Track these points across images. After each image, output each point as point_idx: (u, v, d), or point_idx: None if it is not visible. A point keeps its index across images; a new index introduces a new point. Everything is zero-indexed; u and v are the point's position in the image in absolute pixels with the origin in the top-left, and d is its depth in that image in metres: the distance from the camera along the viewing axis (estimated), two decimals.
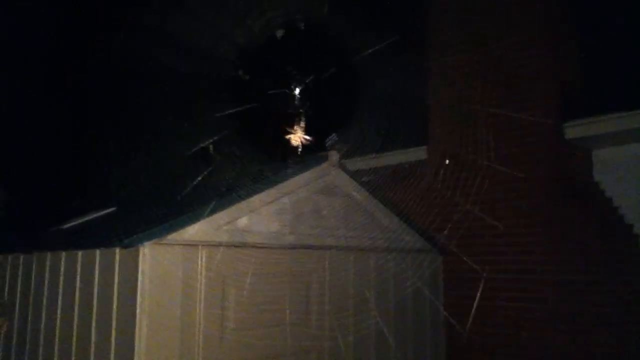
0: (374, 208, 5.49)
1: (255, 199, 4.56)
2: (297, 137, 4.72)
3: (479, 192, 6.16)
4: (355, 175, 5.83)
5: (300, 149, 4.72)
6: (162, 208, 4.88)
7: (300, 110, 4.54)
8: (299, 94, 4.63)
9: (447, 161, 6.32)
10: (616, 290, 5.47)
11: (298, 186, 4.88)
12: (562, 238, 5.81)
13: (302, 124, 4.62)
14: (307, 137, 4.71)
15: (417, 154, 7.22)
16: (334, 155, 5.16)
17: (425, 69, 6.91)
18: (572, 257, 5.71)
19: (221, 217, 4.34)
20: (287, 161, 4.96)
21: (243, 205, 4.49)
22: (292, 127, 4.62)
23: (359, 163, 7.47)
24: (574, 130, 6.07)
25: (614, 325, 5.42)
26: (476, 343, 6.06)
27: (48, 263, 4.87)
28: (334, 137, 4.94)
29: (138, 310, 3.85)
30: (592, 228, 5.74)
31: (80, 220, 5.70)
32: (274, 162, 5.11)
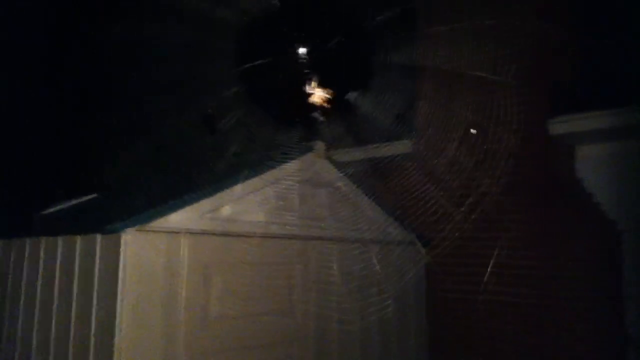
0: (359, 200, 5.48)
1: (240, 188, 4.52)
2: (317, 97, 4.60)
3: (463, 186, 6.18)
4: (341, 165, 5.82)
5: (325, 106, 4.58)
6: (148, 191, 4.81)
7: (307, 71, 4.41)
8: (305, 55, 4.49)
9: (431, 156, 6.29)
10: (600, 286, 5.52)
11: (283, 176, 4.84)
12: (545, 234, 5.83)
13: (316, 82, 4.49)
14: (327, 95, 4.56)
15: (402, 147, 7.20)
16: (320, 146, 5.13)
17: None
18: (555, 253, 5.74)
19: (205, 205, 4.29)
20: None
21: (227, 193, 4.44)
22: (308, 88, 4.49)
23: (345, 155, 7.47)
24: (558, 127, 6.09)
25: (597, 321, 5.46)
26: (459, 335, 6.08)
27: (27, 250, 4.79)
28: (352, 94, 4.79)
29: (119, 298, 3.80)
30: (575, 224, 5.77)
31: (61, 206, 5.61)
32: (286, 130, 4.98)
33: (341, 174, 5.38)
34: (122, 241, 3.85)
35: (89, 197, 5.70)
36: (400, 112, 5.78)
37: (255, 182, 4.65)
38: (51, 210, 5.56)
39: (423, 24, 6.82)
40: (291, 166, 4.95)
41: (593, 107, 5.87)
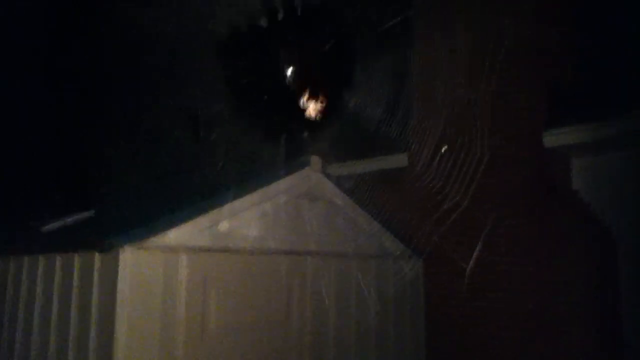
0: (355, 213, 5.51)
1: (237, 204, 4.55)
2: (312, 110, 4.64)
3: (457, 196, 6.20)
4: (336, 179, 5.86)
5: (318, 118, 4.62)
6: (144, 207, 4.84)
7: (292, 88, 4.46)
8: (292, 72, 4.56)
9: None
10: (595, 294, 5.55)
11: (280, 191, 4.88)
12: (540, 244, 5.87)
13: (308, 95, 4.54)
14: (320, 104, 4.60)
15: (398, 160, 7.24)
16: (316, 161, 5.17)
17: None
18: (551, 261, 5.77)
19: (203, 220, 4.33)
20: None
21: (225, 209, 4.47)
22: (302, 100, 4.54)
23: (341, 169, 7.50)
24: (553, 139, 6.14)
25: (591, 324, 5.49)
26: (457, 343, 6.09)
27: (25, 267, 4.80)
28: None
29: (117, 315, 3.82)
30: (570, 234, 5.81)
31: (60, 222, 5.62)
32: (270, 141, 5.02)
33: (337, 188, 5.42)
34: (121, 258, 3.88)
35: (88, 213, 5.73)
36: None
37: (252, 197, 4.68)
38: (50, 226, 5.58)
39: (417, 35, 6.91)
40: (288, 181, 4.99)
41: (588, 118, 5.93)
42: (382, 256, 5.65)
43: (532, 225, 5.98)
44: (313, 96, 4.66)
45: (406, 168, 7.10)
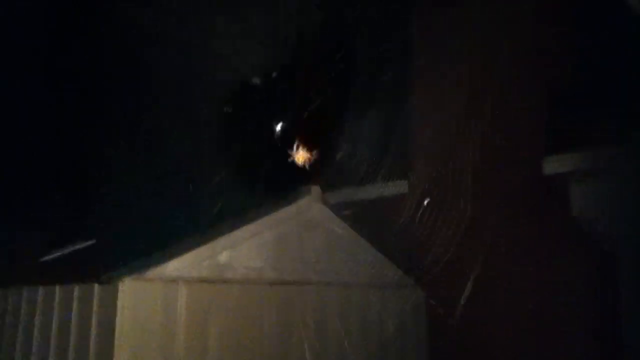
0: (355, 242, 5.49)
1: (237, 234, 4.55)
2: (300, 157, 4.69)
3: (459, 228, 6.20)
4: (336, 207, 5.86)
5: (308, 166, 4.69)
6: (144, 238, 4.83)
7: (280, 144, 4.56)
8: (280, 129, 4.66)
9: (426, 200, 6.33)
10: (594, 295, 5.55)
11: (280, 221, 4.88)
12: (542, 274, 5.84)
13: (297, 144, 4.62)
14: (309, 155, 4.67)
15: (398, 187, 7.24)
16: (316, 190, 5.18)
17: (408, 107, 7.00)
18: (553, 288, 5.75)
19: (202, 251, 4.32)
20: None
21: (225, 239, 4.47)
22: (291, 149, 4.62)
23: (340, 196, 7.51)
24: (554, 165, 6.16)
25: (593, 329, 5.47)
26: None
27: (24, 298, 4.78)
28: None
29: (116, 347, 3.80)
30: (573, 262, 5.79)
31: (59, 252, 5.61)
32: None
33: (337, 217, 5.41)
34: (119, 290, 3.88)
35: (87, 242, 5.71)
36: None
37: (252, 227, 4.68)
38: (49, 256, 5.56)
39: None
40: (288, 210, 5.00)
41: (589, 145, 5.95)
42: (383, 285, 5.62)
43: (532, 257, 5.92)
44: (303, 145, 4.73)
45: (407, 195, 7.12)
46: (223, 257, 4.45)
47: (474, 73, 6.39)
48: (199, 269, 4.27)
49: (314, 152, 4.75)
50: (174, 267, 4.12)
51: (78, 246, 5.48)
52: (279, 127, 4.62)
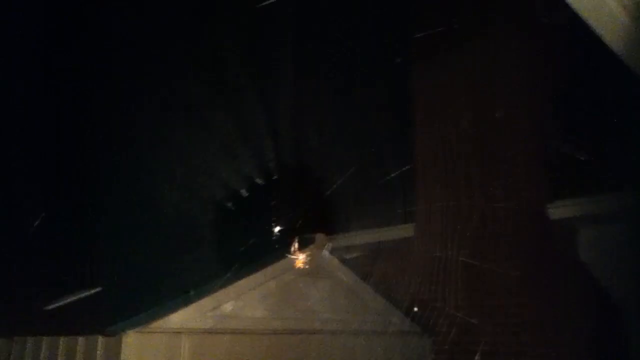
0: (360, 290, 5.46)
1: (242, 283, 4.54)
2: (301, 262, 4.84)
3: (467, 272, 6.17)
4: (341, 251, 5.85)
5: (308, 266, 4.85)
6: (148, 290, 4.84)
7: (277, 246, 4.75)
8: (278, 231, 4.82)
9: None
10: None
11: (284, 270, 4.87)
12: (550, 318, 5.78)
13: (296, 245, 4.78)
14: (309, 255, 4.84)
15: (403, 231, 7.24)
16: (322, 238, 5.17)
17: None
18: (560, 337, 5.68)
19: (207, 302, 4.31)
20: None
21: (229, 290, 4.46)
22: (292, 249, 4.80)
23: (346, 240, 7.50)
24: (559, 211, 6.16)
25: None
26: None
27: (28, 348, 4.76)
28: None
29: None
30: (581, 310, 5.74)
31: (63, 301, 5.60)
32: None
33: (342, 264, 5.39)
34: (123, 343, 3.86)
35: (91, 291, 5.70)
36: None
37: (257, 276, 4.68)
38: (54, 304, 5.55)
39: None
40: (292, 259, 4.99)
41: (594, 191, 5.97)
42: (388, 333, 5.56)
43: (540, 304, 5.87)
44: (301, 248, 4.88)
45: (412, 238, 7.10)
46: (227, 307, 4.43)
47: (475, 123, 6.48)
48: (203, 320, 4.25)
49: (312, 253, 4.92)
50: (177, 318, 4.11)
51: (84, 293, 5.47)
52: (277, 229, 4.77)
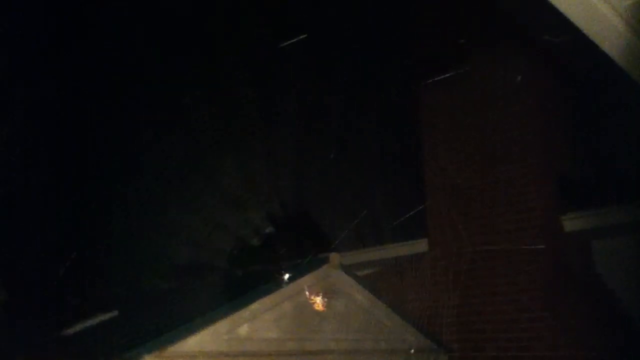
0: (375, 308, 5.45)
1: (256, 306, 4.55)
2: (316, 301, 4.91)
3: (479, 286, 6.17)
4: (353, 268, 5.87)
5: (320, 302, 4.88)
6: (164, 314, 4.88)
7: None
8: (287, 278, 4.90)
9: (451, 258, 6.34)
10: None
11: (299, 290, 4.88)
12: (562, 332, 5.74)
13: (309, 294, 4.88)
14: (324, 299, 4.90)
15: (417, 246, 7.23)
16: (335, 258, 5.18)
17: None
18: (573, 351, 5.63)
19: (222, 326, 4.32)
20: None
21: (244, 312, 4.48)
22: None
23: (360, 256, 7.51)
24: (572, 223, 6.15)
25: None
26: None
27: None
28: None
29: None
30: (592, 320, 5.70)
31: (81, 326, 5.65)
32: None
33: (356, 283, 5.39)
34: None
35: (110, 314, 5.76)
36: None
37: (271, 298, 4.68)
38: (72, 329, 5.60)
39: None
40: (307, 280, 5.00)
41: (607, 202, 5.97)
42: (404, 350, 5.55)
43: (553, 315, 5.83)
44: (314, 297, 4.93)
45: (426, 254, 7.09)
46: (243, 329, 4.44)
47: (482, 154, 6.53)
48: (219, 342, 4.26)
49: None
50: (194, 342, 4.12)
51: (101, 318, 5.52)
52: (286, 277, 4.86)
